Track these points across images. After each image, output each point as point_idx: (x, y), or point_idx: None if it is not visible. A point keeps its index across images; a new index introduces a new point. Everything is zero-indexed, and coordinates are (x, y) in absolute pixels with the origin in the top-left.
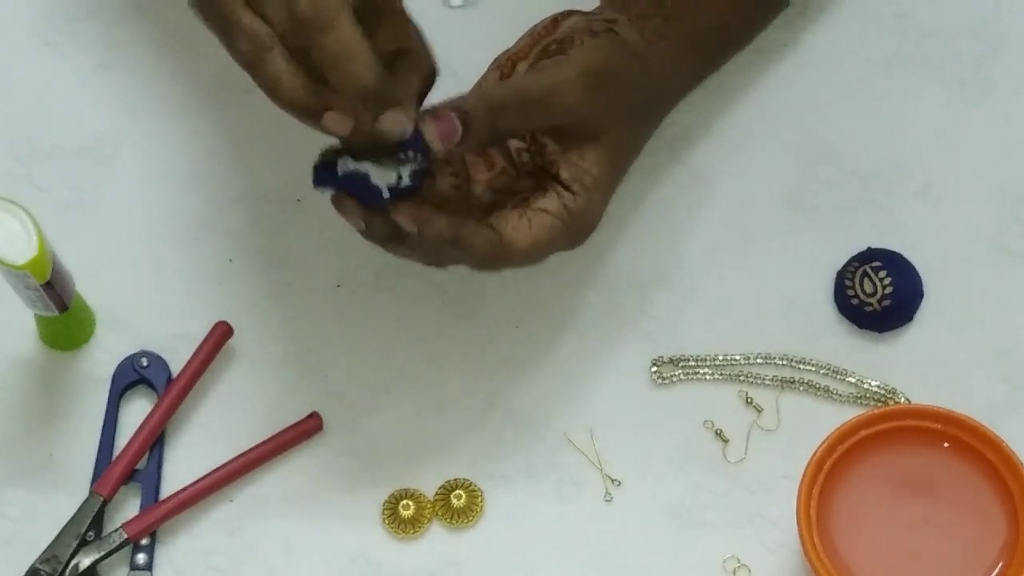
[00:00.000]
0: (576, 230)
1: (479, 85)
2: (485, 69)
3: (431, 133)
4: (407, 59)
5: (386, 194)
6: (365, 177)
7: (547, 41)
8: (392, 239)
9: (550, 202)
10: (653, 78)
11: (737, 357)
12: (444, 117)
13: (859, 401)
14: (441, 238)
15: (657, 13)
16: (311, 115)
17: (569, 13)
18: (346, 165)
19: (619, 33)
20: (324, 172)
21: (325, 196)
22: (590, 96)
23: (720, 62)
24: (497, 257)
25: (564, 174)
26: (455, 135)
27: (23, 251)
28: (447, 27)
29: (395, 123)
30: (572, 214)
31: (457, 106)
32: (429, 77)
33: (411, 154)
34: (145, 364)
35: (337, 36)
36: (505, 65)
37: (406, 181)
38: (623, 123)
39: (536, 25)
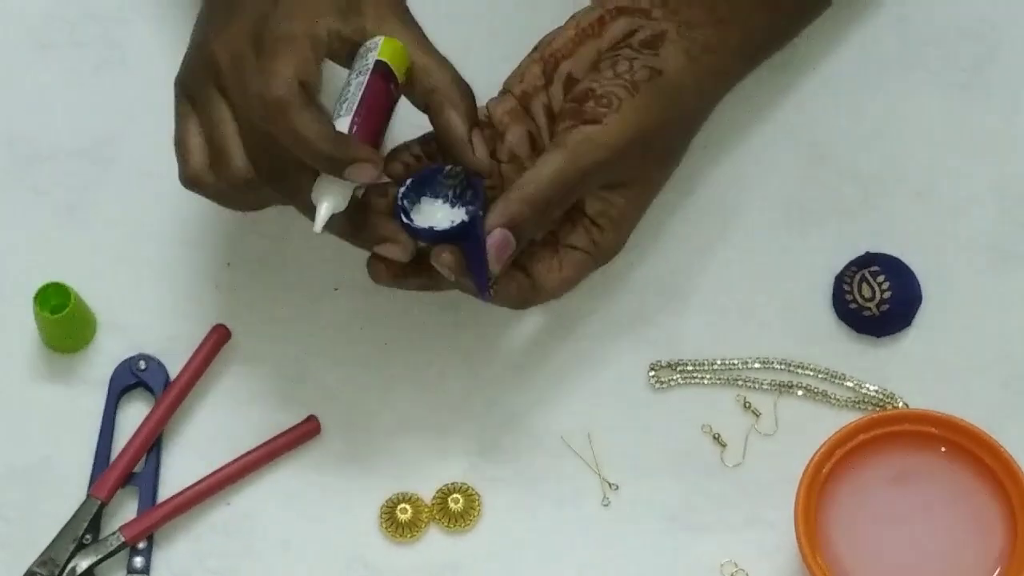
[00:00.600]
0: (602, 259)
1: (519, 73)
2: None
3: (489, 259)
4: (435, 97)
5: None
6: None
7: (589, 70)
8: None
9: (579, 238)
10: (693, 107)
11: (735, 361)
12: (497, 237)
13: (857, 405)
14: (473, 291)
15: (708, 20)
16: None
17: (618, 12)
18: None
19: (664, 71)
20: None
21: None
22: (625, 163)
23: (756, 66)
24: (527, 301)
25: (591, 209)
26: (509, 251)
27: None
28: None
29: (358, 175)
30: (600, 248)
31: (506, 221)
32: (466, 102)
33: (468, 194)
34: (143, 367)
35: (288, 124)
36: (548, 62)
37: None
38: (659, 169)
39: (580, 15)
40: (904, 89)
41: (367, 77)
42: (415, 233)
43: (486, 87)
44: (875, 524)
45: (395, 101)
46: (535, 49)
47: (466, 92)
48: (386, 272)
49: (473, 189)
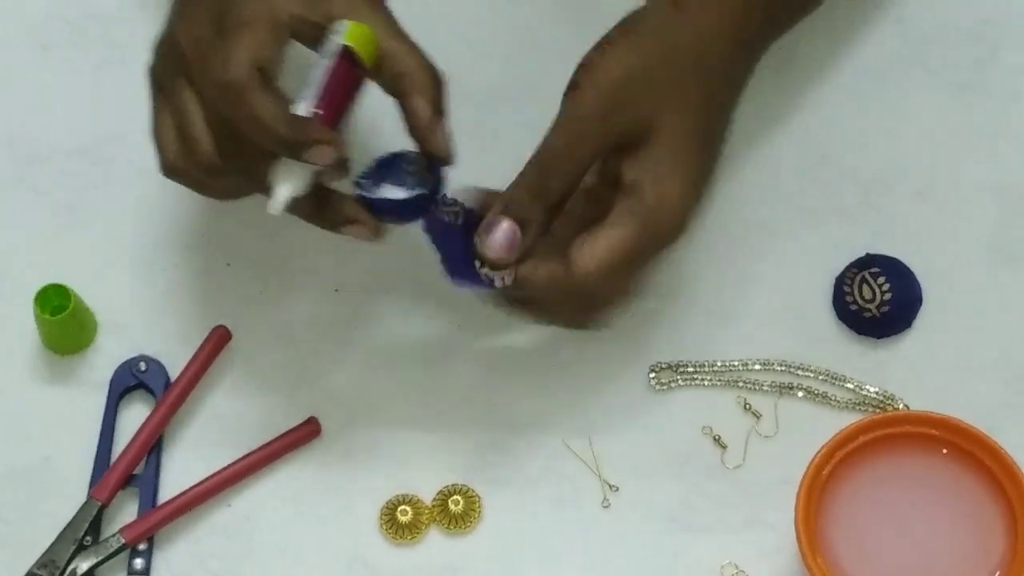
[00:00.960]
0: (653, 228)
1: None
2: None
3: (493, 251)
4: (403, 82)
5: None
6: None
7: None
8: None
9: (616, 215)
10: (687, 42)
11: (735, 363)
12: (496, 228)
13: (857, 407)
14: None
15: None
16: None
17: None
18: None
19: (640, 20)
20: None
21: None
22: (625, 110)
23: (786, 20)
24: (569, 287)
25: (627, 176)
26: (516, 240)
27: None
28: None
29: (317, 158)
30: (639, 213)
31: (507, 211)
32: (434, 88)
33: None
34: (143, 368)
35: (244, 108)
36: None
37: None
38: (673, 108)
39: None
40: (904, 89)
41: (330, 61)
42: (372, 206)
43: (486, 87)
44: (875, 525)
45: (360, 85)
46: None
47: (434, 78)
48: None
49: (434, 175)
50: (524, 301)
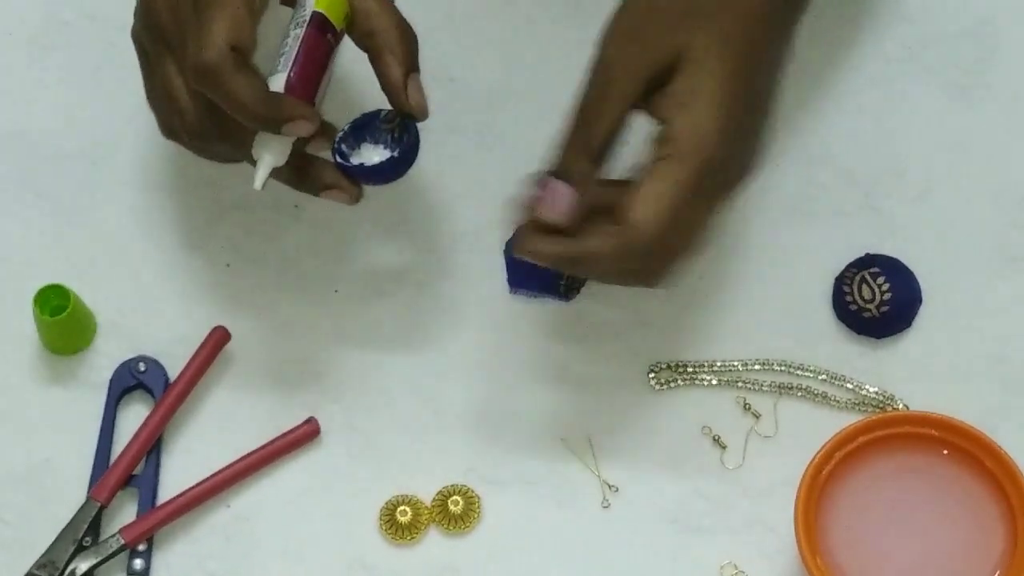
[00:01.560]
0: (697, 161)
1: None
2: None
3: (553, 213)
4: (375, 40)
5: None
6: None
7: None
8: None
9: (655, 163)
10: None
11: (735, 363)
12: (555, 190)
13: (857, 407)
14: (560, 259)
15: None
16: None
17: None
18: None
19: None
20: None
21: (322, 201)
22: (640, 39)
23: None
24: (625, 246)
25: (659, 114)
26: (574, 199)
27: None
28: (444, 34)
29: (295, 131)
30: (684, 145)
31: (558, 170)
32: (406, 45)
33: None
34: (142, 369)
35: (221, 89)
36: None
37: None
38: (700, 41)
39: None
40: (904, 89)
41: (303, 30)
42: (348, 172)
43: (486, 87)
44: (875, 526)
45: (333, 51)
46: None
47: (406, 36)
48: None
49: (408, 133)
50: (594, 275)
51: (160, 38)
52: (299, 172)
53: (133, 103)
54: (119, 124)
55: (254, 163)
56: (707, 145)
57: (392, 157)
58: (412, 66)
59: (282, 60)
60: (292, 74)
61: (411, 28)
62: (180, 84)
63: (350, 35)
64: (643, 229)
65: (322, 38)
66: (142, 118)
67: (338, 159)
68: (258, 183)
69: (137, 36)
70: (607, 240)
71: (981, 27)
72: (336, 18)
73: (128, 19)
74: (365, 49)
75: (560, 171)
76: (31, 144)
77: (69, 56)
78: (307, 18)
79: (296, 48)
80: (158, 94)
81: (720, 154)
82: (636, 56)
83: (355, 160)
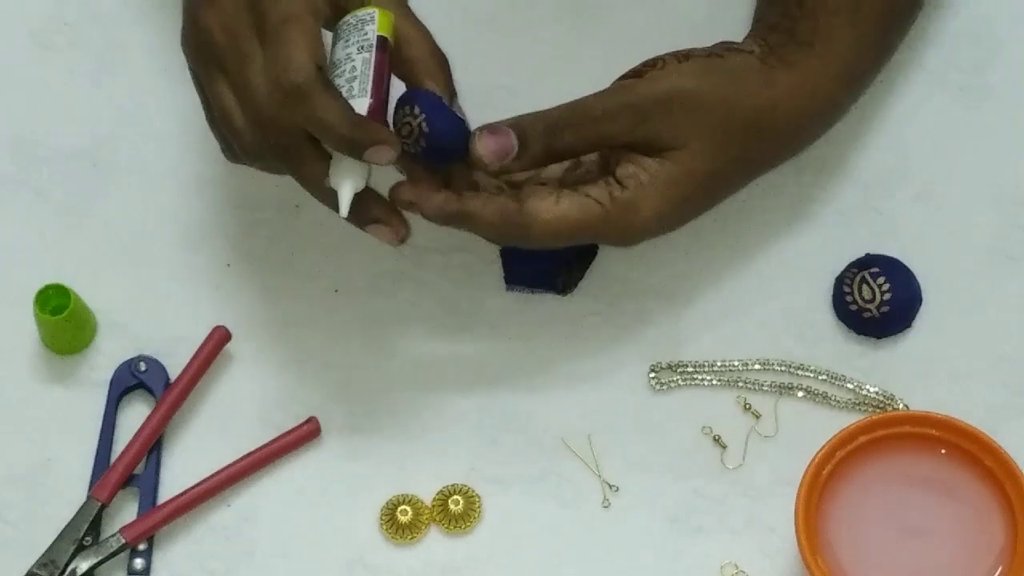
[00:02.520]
0: (616, 222)
1: None
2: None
3: (484, 148)
4: (415, 67)
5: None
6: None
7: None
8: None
9: (595, 188)
10: (757, 104)
11: (735, 363)
12: (501, 133)
13: (857, 407)
14: (444, 214)
15: (790, 41)
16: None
17: (719, 44)
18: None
19: (726, 57)
20: None
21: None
22: (659, 121)
23: (861, 92)
24: (515, 226)
25: (621, 170)
26: (510, 152)
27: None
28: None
29: (378, 157)
30: (615, 202)
31: (515, 122)
32: (443, 73)
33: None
34: (143, 368)
35: (310, 111)
36: None
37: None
38: (704, 149)
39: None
40: (904, 90)
41: (373, 54)
42: (436, 136)
43: (486, 87)
44: (876, 526)
45: (391, 73)
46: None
47: (442, 63)
48: (409, 192)
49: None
50: (462, 217)
51: (212, 59)
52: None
53: (133, 103)
54: (119, 124)
55: (315, 190)
56: (635, 227)
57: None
58: (451, 91)
59: (356, 84)
60: (373, 100)
61: (444, 54)
62: (234, 105)
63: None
64: (532, 218)
65: (386, 63)
66: (142, 118)
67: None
68: (344, 211)
69: (191, 66)
70: (494, 211)
71: (982, 27)
72: (393, 38)
73: (129, 20)
74: (404, 75)
75: (519, 130)
76: (31, 144)
77: (70, 56)
78: (373, 43)
79: (369, 73)
80: (214, 117)
81: (634, 239)
82: (648, 124)
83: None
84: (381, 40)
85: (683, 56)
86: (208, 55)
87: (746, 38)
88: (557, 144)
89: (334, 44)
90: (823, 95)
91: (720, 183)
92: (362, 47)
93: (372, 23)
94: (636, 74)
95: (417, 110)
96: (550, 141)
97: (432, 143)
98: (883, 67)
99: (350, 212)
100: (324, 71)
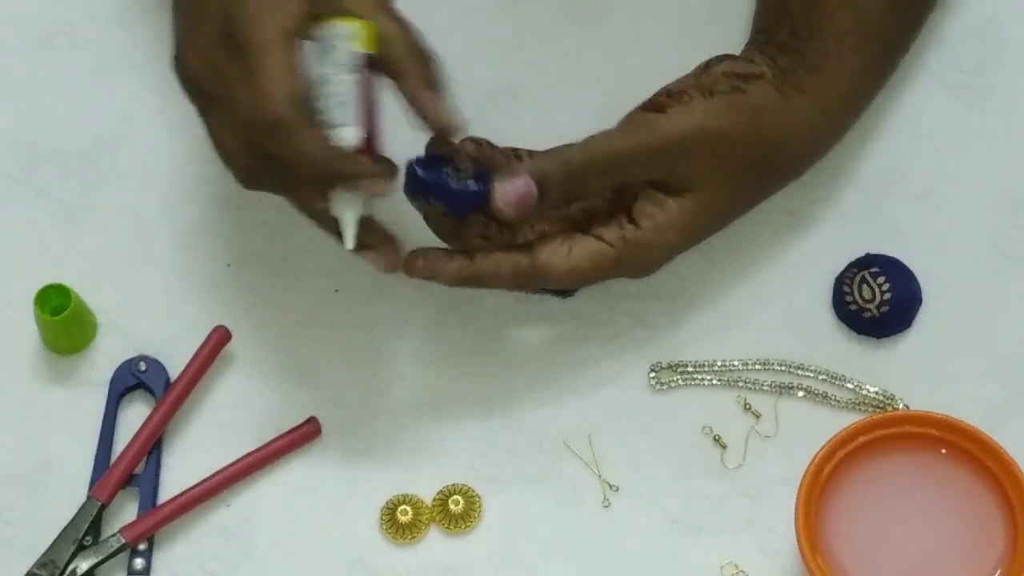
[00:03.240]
0: (631, 262)
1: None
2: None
3: (504, 199)
4: (396, 67)
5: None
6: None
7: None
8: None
9: (608, 230)
10: (776, 139)
11: (735, 363)
12: (520, 180)
13: (857, 407)
14: (460, 280)
15: (801, 66)
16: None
17: (722, 58)
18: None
19: (748, 92)
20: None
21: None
22: (681, 161)
23: (861, 113)
24: (530, 280)
25: (637, 207)
26: (530, 203)
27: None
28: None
29: (373, 189)
30: (628, 244)
31: (535, 170)
32: (426, 69)
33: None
34: (143, 368)
35: (291, 146)
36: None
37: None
38: (723, 184)
39: (694, 69)
40: (904, 90)
41: (356, 76)
42: (445, 194)
43: (486, 87)
44: (876, 525)
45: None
46: (649, 98)
47: (424, 60)
48: (423, 264)
49: (482, 179)
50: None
51: (200, 93)
52: (333, 163)
53: (133, 103)
54: (119, 124)
55: (315, 216)
56: (650, 262)
57: (478, 190)
58: (435, 85)
59: (343, 112)
60: (362, 128)
61: (427, 49)
62: (225, 135)
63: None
64: (545, 272)
65: (371, 79)
66: (142, 118)
67: (427, 178)
68: (350, 243)
69: (186, 94)
70: (506, 264)
71: (982, 28)
72: (375, 50)
73: (129, 21)
74: (388, 74)
75: (539, 178)
76: (31, 144)
77: (70, 56)
78: (356, 62)
79: (353, 96)
80: (213, 146)
81: (650, 271)
82: (669, 163)
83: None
84: (366, 58)
85: (707, 91)
86: (196, 91)
87: (753, 52)
88: (578, 189)
89: (317, 57)
90: (834, 120)
91: (734, 214)
92: (346, 67)
93: (355, 39)
94: (658, 107)
95: (430, 199)
96: (571, 187)
97: (452, 213)
98: (887, 82)
99: (334, 176)
100: (306, 99)
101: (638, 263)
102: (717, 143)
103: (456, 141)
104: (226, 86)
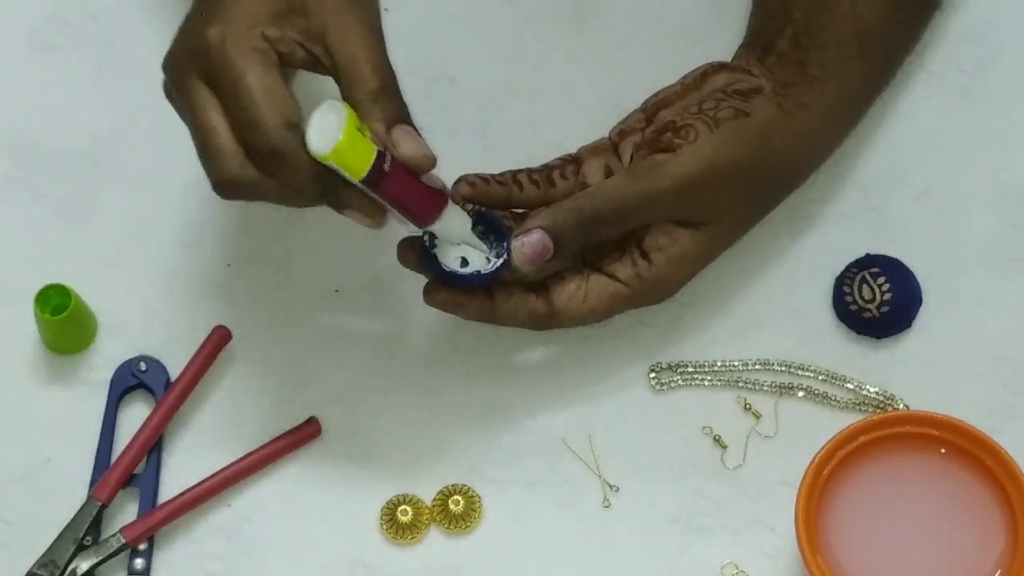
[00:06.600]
0: (645, 296)
1: (623, 120)
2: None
3: (520, 258)
4: (362, 108)
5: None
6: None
7: (669, 119)
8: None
9: (621, 268)
10: (781, 159)
11: (736, 363)
12: (535, 236)
13: (857, 407)
14: (479, 317)
15: (802, 79)
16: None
17: (720, 67)
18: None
19: (752, 114)
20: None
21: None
22: (696, 198)
23: (859, 119)
24: (547, 323)
25: (649, 241)
26: (545, 256)
27: (330, 140)
28: (444, 34)
29: (357, 221)
30: (643, 282)
31: (549, 224)
32: (389, 107)
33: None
34: (144, 368)
35: (287, 174)
36: (650, 110)
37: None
38: (734, 214)
39: (688, 73)
40: (904, 90)
41: (372, 191)
42: (458, 279)
43: (486, 87)
44: (876, 526)
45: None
46: (644, 103)
47: (385, 99)
48: (444, 299)
49: (497, 233)
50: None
51: (194, 69)
52: (324, 186)
53: (133, 103)
54: (119, 124)
55: (298, 202)
56: (663, 293)
57: (498, 267)
58: (400, 120)
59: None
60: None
61: (390, 83)
62: (221, 124)
63: (340, 87)
64: (562, 318)
65: (387, 171)
66: (142, 118)
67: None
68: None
69: (166, 87)
70: (524, 310)
71: (982, 28)
72: (355, 159)
73: (129, 20)
74: (348, 101)
75: (554, 230)
76: (31, 144)
77: (70, 56)
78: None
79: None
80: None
81: (663, 299)
82: (682, 204)
83: (463, 268)
84: (369, 175)
85: (712, 120)
86: (190, 66)
87: (751, 60)
88: (592, 238)
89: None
90: (836, 130)
91: (742, 233)
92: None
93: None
94: (665, 147)
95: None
96: (585, 237)
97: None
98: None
99: (326, 194)
100: (297, 124)
101: (652, 297)
102: (728, 176)
103: (438, 178)
104: (207, 124)
